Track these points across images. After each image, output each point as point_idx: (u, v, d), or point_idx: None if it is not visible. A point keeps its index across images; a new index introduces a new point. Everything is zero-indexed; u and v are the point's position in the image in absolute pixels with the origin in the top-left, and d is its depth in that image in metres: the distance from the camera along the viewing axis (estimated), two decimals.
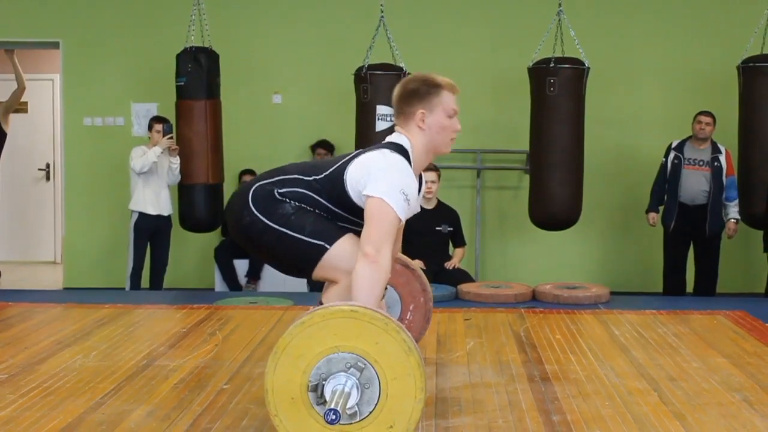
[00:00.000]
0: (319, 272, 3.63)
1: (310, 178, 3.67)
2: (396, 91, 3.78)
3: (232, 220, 3.74)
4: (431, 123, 3.68)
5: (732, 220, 7.95)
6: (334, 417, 2.96)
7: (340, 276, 3.58)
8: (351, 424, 3.09)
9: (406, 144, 3.69)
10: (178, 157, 7.80)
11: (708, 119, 7.95)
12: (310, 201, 3.65)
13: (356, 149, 7.57)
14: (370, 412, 3.09)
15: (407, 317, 4.80)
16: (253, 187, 3.69)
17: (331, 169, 3.68)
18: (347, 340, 3.08)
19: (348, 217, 3.68)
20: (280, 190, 3.64)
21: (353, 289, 3.37)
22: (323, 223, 3.64)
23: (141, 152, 7.86)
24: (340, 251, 3.58)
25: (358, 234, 3.60)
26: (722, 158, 7.94)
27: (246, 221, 3.63)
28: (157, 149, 7.77)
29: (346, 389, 3.05)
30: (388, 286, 4.24)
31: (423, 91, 3.69)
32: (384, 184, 3.50)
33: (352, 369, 3.07)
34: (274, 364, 3.11)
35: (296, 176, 3.69)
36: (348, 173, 3.62)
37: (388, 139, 3.76)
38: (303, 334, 3.10)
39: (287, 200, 3.63)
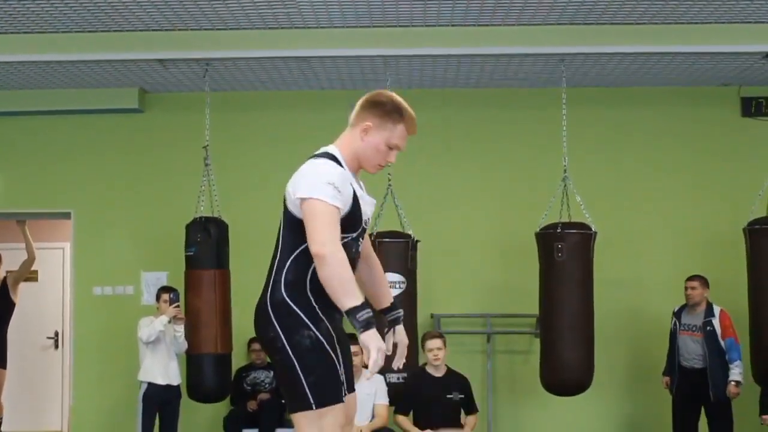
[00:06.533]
0: (293, 417, 3.61)
1: (283, 251, 3.64)
2: (366, 95, 3.75)
3: (260, 328, 3.69)
4: (370, 140, 3.67)
5: (732, 383, 7.78)
6: None
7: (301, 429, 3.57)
8: None
9: (333, 151, 3.69)
10: (182, 326, 7.81)
11: (694, 284, 7.96)
12: (301, 272, 3.59)
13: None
14: None
15: None
16: (269, 293, 3.64)
17: (282, 225, 3.67)
18: None
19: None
20: (286, 293, 3.60)
21: (329, 292, 3.44)
22: (330, 376, 3.58)
23: (148, 322, 7.88)
24: (315, 420, 3.53)
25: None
26: (715, 321, 7.86)
27: (271, 335, 3.61)
28: (164, 318, 7.78)
29: None
30: None
31: (387, 109, 3.66)
32: (307, 183, 3.52)
33: None
34: None
35: (278, 261, 3.65)
36: (288, 204, 3.62)
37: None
38: None
39: (302, 316, 3.56)
